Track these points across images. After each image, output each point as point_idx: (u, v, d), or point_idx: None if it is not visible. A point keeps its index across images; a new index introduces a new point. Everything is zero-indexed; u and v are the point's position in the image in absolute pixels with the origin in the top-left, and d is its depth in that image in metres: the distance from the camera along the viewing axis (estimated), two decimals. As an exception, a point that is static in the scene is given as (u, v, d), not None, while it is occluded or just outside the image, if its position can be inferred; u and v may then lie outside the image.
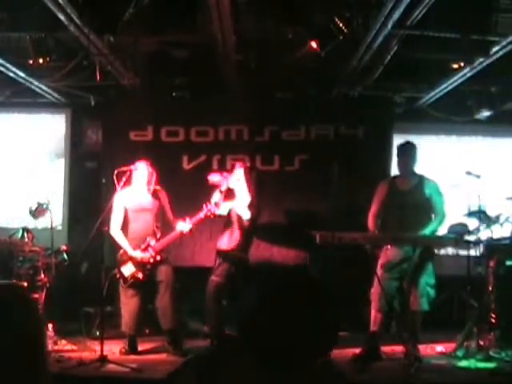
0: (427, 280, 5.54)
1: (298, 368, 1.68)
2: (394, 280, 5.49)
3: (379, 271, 5.56)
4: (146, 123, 7.52)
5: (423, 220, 5.55)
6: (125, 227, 5.93)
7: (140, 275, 5.79)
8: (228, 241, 6.10)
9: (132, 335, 5.84)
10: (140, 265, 5.80)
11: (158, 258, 5.85)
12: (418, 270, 5.49)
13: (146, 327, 6.39)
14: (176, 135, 7.53)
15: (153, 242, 5.85)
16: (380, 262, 5.63)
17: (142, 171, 5.89)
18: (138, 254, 5.80)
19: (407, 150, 5.73)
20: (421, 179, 5.70)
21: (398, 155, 5.78)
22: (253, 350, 1.74)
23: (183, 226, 5.88)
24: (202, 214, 5.88)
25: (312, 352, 1.70)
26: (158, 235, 5.91)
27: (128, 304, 5.82)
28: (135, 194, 5.93)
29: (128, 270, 5.81)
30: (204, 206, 5.91)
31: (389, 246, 5.60)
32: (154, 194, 5.99)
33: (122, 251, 5.88)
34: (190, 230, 5.91)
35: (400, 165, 5.77)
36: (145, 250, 5.82)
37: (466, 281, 6.76)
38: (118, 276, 5.84)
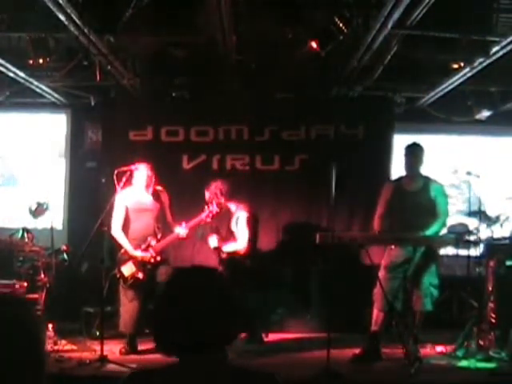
0: (431, 280, 5.54)
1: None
2: (397, 280, 5.49)
3: (382, 271, 5.56)
4: (146, 123, 7.51)
5: (428, 221, 5.55)
6: (125, 227, 5.92)
7: (140, 275, 5.78)
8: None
9: (132, 335, 5.84)
10: (140, 265, 5.80)
11: (159, 258, 5.84)
12: (421, 271, 5.50)
13: (146, 327, 6.38)
14: (176, 135, 7.52)
15: (153, 242, 5.85)
16: (383, 262, 5.64)
17: (141, 173, 5.89)
18: (138, 254, 5.80)
19: (414, 151, 5.72)
20: (427, 181, 5.70)
21: (405, 156, 5.77)
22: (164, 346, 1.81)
23: (180, 229, 5.88)
24: (203, 216, 5.88)
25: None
26: (159, 235, 5.91)
27: (128, 304, 5.81)
28: (136, 194, 5.93)
29: (128, 269, 5.80)
30: (206, 207, 5.91)
31: (392, 247, 5.60)
32: (156, 195, 5.98)
33: (122, 251, 5.88)
34: (187, 235, 5.91)
35: (406, 165, 5.76)
36: (145, 249, 5.82)
37: (466, 281, 6.76)
38: (118, 276, 5.84)
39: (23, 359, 1.56)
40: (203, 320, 1.74)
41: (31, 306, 1.64)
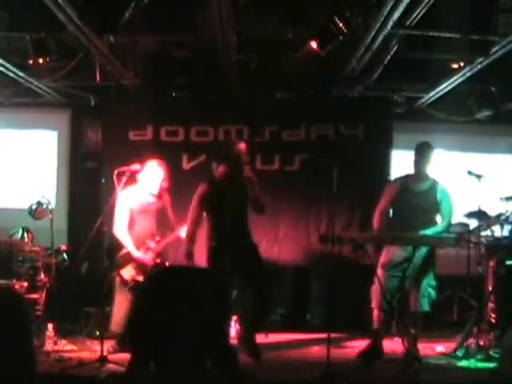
0: (428, 281, 5.54)
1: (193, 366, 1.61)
2: (394, 279, 5.48)
3: (380, 270, 5.55)
4: (146, 123, 7.51)
5: (430, 223, 5.55)
6: (129, 229, 5.86)
7: (140, 278, 5.73)
8: None
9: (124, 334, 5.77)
10: (140, 267, 5.76)
11: (158, 260, 5.83)
12: (420, 271, 5.49)
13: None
14: (176, 135, 7.52)
15: (152, 245, 5.82)
16: (382, 260, 5.62)
17: (155, 170, 5.84)
18: (144, 257, 5.76)
19: (420, 150, 5.70)
20: (433, 184, 5.68)
21: (414, 154, 5.77)
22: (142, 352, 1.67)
23: (183, 231, 5.83)
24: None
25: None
26: (157, 237, 5.88)
27: (125, 305, 5.76)
28: (140, 194, 5.87)
29: (128, 272, 5.75)
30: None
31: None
32: (159, 194, 5.94)
33: (121, 253, 5.82)
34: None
35: (414, 164, 5.75)
36: (144, 252, 5.80)
37: (466, 281, 6.77)
38: (118, 279, 5.79)
39: (13, 357, 1.55)
40: (189, 327, 1.58)
41: (20, 304, 1.62)
